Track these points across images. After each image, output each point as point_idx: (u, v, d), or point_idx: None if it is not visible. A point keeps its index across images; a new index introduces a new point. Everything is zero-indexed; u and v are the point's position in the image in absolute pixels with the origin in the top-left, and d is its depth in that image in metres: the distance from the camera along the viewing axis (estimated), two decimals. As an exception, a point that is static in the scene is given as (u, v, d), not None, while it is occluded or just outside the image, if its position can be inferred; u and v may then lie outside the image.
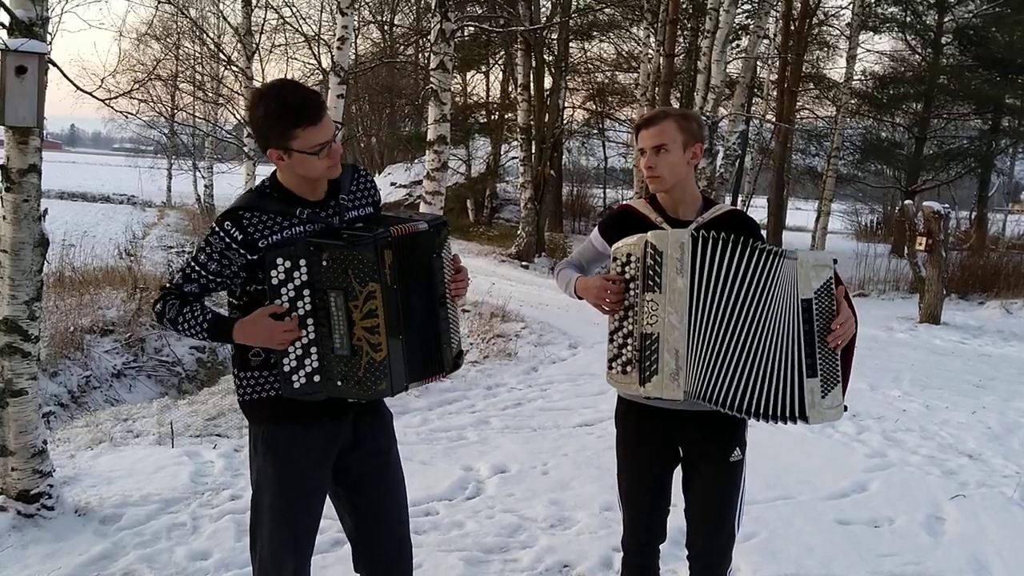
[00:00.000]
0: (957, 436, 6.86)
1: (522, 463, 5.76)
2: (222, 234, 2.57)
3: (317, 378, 2.55)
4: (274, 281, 2.52)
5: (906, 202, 15.97)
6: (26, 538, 4.29)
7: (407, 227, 2.61)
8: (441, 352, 2.72)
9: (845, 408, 2.80)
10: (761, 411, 2.69)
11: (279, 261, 2.51)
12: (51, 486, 4.53)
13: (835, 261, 2.81)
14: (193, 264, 2.64)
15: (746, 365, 2.67)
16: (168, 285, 2.68)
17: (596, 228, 3.20)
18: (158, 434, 6.19)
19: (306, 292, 2.52)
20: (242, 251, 2.57)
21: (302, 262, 2.51)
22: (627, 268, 2.78)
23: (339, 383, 2.54)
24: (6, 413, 4.37)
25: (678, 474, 3.08)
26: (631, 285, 2.76)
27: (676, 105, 24.12)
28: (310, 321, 2.53)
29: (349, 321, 2.51)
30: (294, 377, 2.55)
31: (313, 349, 2.54)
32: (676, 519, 3.12)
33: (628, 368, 2.75)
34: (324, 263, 2.49)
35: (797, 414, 2.69)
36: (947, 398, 8.24)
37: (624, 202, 3.20)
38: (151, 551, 4.26)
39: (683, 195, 2.95)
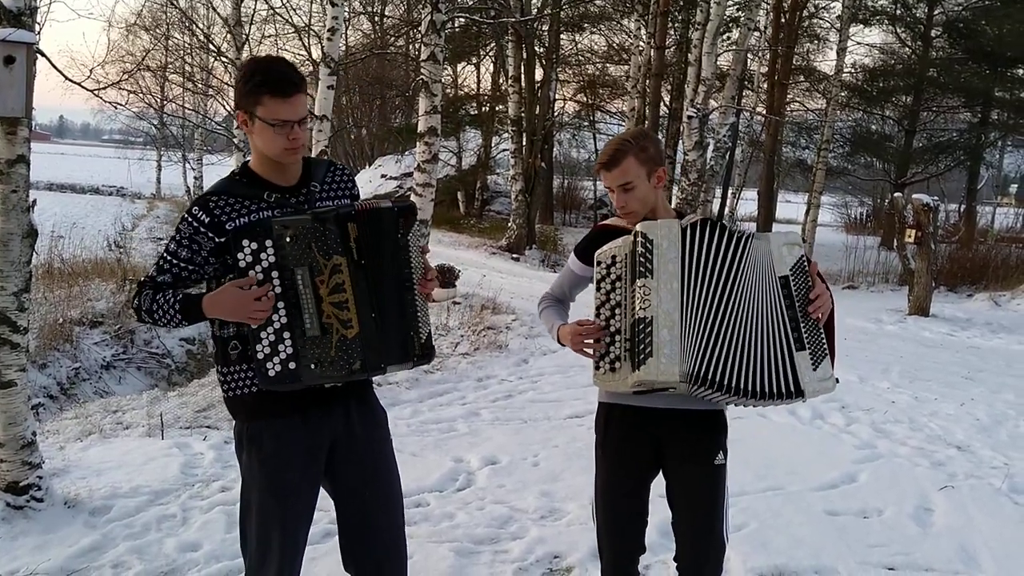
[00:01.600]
0: (946, 428, 6.90)
1: (512, 455, 5.77)
2: (190, 219, 2.59)
3: (292, 365, 2.49)
4: (242, 264, 2.49)
5: (895, 195, 16.02)
6: (15, 530, 4.28)
7: (370, 203, 2.62)
8: (409, 340, 2.66)
9: (836, 380, 2.80)
10: (758, 390, 2.65)
11: (245, 243, 2.48)
12: (40, 478, 4.52)
13: (804, 240, 2.81)
14: (164, 254, 2.65)
15: (737, 345, 2.65)
16: (144, 279, 2.68)
17: (573, 253, 3.20)
18: (148, 426, 6.18)
19: (275, 273, 2.48)
20: (210, 234, 2.57)
21: (268, 242, 2.48)
22: (612, 269, 2.78)
23: (312, 367, 2.48)
24: (-5, 405, 4.36)
25: (658, 488, 3.07)
26: (616, 284, 2.76)
27: (667, 98, 24.16)
28: (281, 304, 2.49)
29: (316, 298, 2.48)
30: (268, 364, 2.49)
31: (286, 334, 2.49)
32: (667, 510, 3.11)
33: (617, 364, 2.74)
34: (288, 239, 2.47)
35: (793, 390, 2.67)
36: (936, 390, 8.28)
37: (600, 223, 3.20)
38: (141, 543, 4.26)
39: (656, 214, 2.96)
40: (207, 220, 2.57)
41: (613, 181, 2.92)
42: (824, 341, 2.76)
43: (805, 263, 2.77)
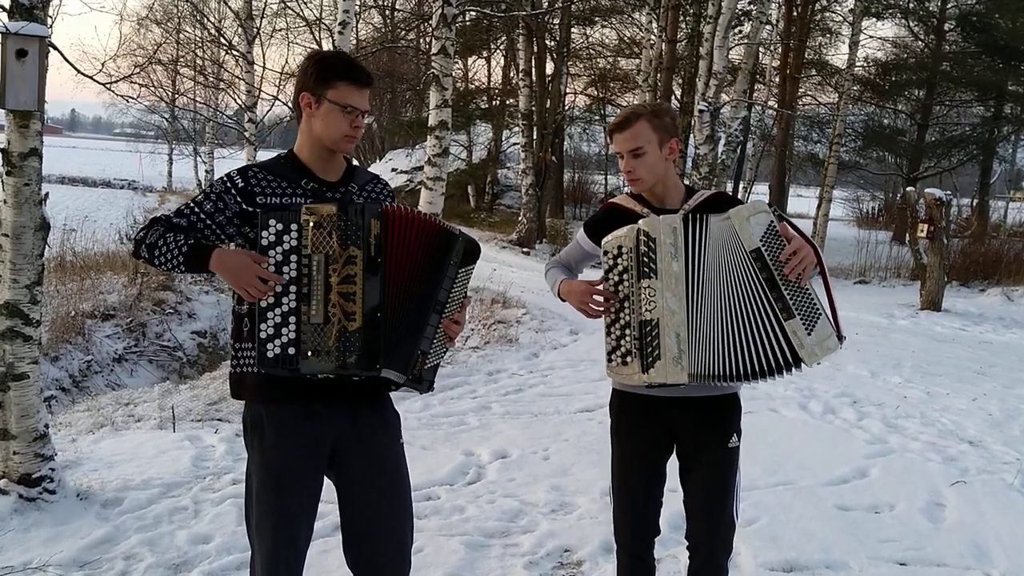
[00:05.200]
0: (958, 423, 6.87)
1: (523, 448, 5.77)
2: (224, 179, 2.66)
3: (292, 350, 2.47)
4: (264, 243, 2.49)
5: (908, 189, 15.94)
6: (28, 521, 4.30)
7: (407, 209, 2.61)
8: (414, 356, 2.63)
9: (843, 338, 2.71)
10: (757, 370, 2.65)
11: (271, 223, 2.48)
12: (53, 470, 4.54)
13: (771, 206, 2.74)
14: (190, 202, 2.67)
15: (731, 332, 2.65)
16: (159, 217, 2.67)
17: (582, 227, 3.19)
18: (159, 419, 6.20)
19: (293, 258, 2.48)
20: (239, 198, 2.61)
21: (293, 226, 2.48)
22: (619, 260, 2.77)
23: (310, 354, 2.47)
24: (8, 397, 4.38)
25: (673, 467, 3.07)
26: (624, 276, 2.76)
27: (678, 92, 24.09)
28: (292, 289, 2.48)
29: (326, 285, 2.48)
30: (269, 345, 2.48)
31: (292, 319, 2.48)
32: (677, 503, 3.12)
33: (628, 359, 2.75)
34: (312, 225, 2.47)
35: (791, 360, 2.64)
36: (948, 385, 8.25)
37: (609, 200, 3.17)
38: (153, 535, 4.27)
39: (665, 189, 2.94)
40: (240, 184, 2.62)
41: (623, 145, 2.87)
42: (814, 301, 2.68)
43: (775, 228, 2.69)
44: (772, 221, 2.70)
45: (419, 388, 2.71)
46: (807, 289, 2.68)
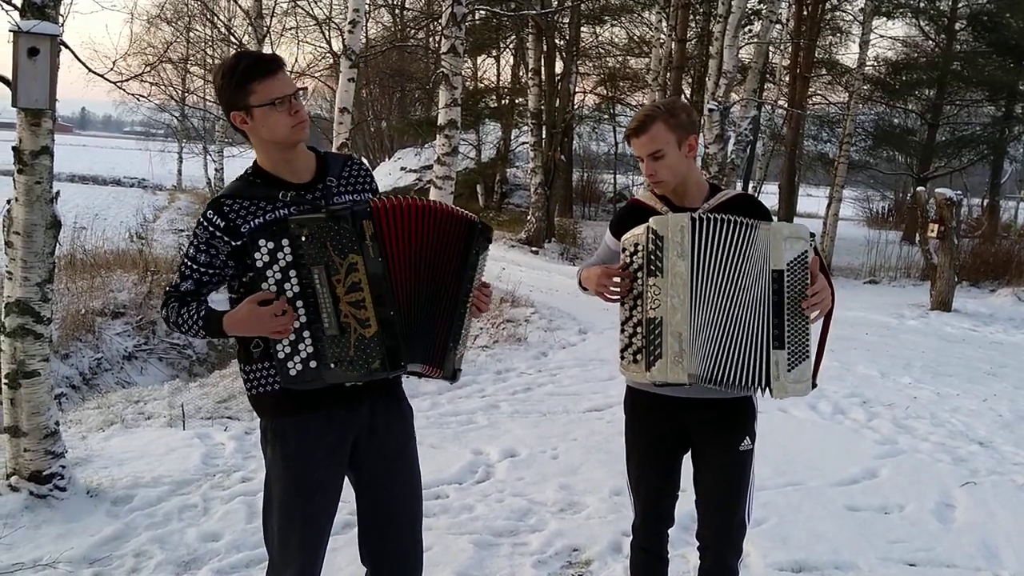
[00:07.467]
0: (968, 423, 6.85)
1: (531, 447, 5.77)
2: (205, 223, 2.55)
3: (313, 363, 2.46)
4: (259, 264, 2.44)
5: (918, 189, 15.90)
6: (38, 518, 4.32)
7: (397, 200, 2.53)
8: (446, 348, 2.63)
9: (814, 385, 2.75)
10: (731, 380, 2.66)
11: (262, 242, 2.43)
12: (63, 467, 4.56)
13: (812, 235, 2.73)
14: (185, 260, 2.61)
15: (730, 340, 2.65)
16: (169, 288, 2.65)
17: (608, 228, 3.18)
18: (169, 416, 6.22)
19: (292, 273, 2.44)
20: (225, 238, 2.52)
21: (284, 241, 2.43)
22: (635, 258, 2.77)
23: (332, 365, 2.45)
24: (18, 394, 4.39)
25: (687, 464, 3.07)
26: (637, 275, 2.76)
27: (687, 91, 24.04)
28: (300, 303, 2.45)
29: (334, 297, 2.44)
30: (289, 364, 2.46)
31: (306, 333, 2.46)
32: (686, 504, 3.12)
33: (638, 356, 2.75)
34: (303, 238, 2.42)
35: (763, 384, 2.68)
36: (958, 385, 8.22)
37: (633, 197, 3.16)
38: (162, 532, 4.29)
39: (687, 187, 2.93)
40: (222, 224, 2.53)
41: (642, 149, 2.86)
42: (807, 343, 2.70)
43: (807, 259, 2.69)
44: (807, 251, 2.69)
45: (451, 379, 2.71)
46: (807, 329, 2.70)
